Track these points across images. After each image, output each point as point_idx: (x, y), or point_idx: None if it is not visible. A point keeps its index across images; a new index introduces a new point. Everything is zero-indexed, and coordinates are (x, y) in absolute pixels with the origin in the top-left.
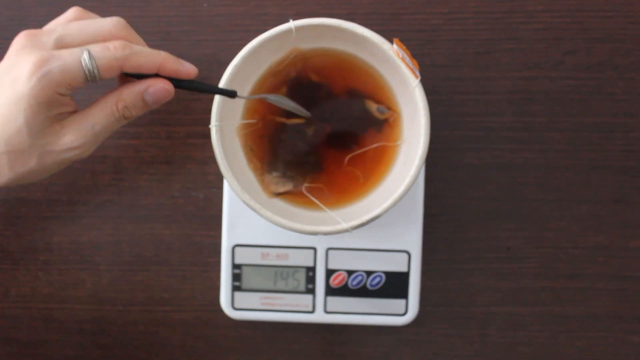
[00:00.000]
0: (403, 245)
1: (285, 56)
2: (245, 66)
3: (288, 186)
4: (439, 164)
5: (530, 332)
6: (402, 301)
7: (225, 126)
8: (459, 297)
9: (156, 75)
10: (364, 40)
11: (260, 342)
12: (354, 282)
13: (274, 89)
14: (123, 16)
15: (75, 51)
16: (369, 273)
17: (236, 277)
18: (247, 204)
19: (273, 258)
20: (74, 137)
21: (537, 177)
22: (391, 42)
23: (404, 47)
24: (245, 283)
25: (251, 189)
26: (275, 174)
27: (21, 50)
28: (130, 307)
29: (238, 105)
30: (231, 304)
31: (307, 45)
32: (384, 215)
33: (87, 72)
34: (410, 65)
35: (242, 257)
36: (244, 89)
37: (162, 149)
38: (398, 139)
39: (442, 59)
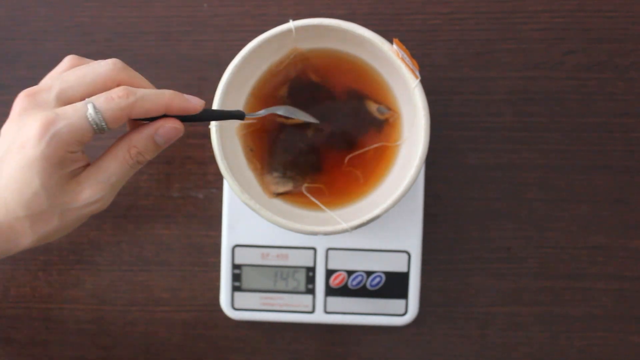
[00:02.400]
0: (403, 246)
1: (285, 56)
2: (246, 66)
3: (288, 186)
4: (439, 164)
5: (530, 332)
6: (402, 301)
7: (225, 126)
8: (459, 297)
9: (164, 115)
10: (363, 41)
11: (260, 342)
12: (354, 283)
13: (275, 89)
14: (123, 16)
15: (79, 106)
16: (368, 273)
17: (236, 277)
18: (247, 204)
19: (273, 258)
20: (92, 192)
21: (537, 177)
22: (391, 42)
23: (404, 47)
24: (245, 283)
25: (251, 189)
26: (275, 174)
27: (23, 113)
28: (130, 307)
29: (238, 106)
30: (231, 304)
31: (307, 45)
32: (384, 215)
33: (94, 126)
34: (410, 66)
35: (242, 257)
36: (244, 89)
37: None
38: (398, 139)
39: (442, 59)
